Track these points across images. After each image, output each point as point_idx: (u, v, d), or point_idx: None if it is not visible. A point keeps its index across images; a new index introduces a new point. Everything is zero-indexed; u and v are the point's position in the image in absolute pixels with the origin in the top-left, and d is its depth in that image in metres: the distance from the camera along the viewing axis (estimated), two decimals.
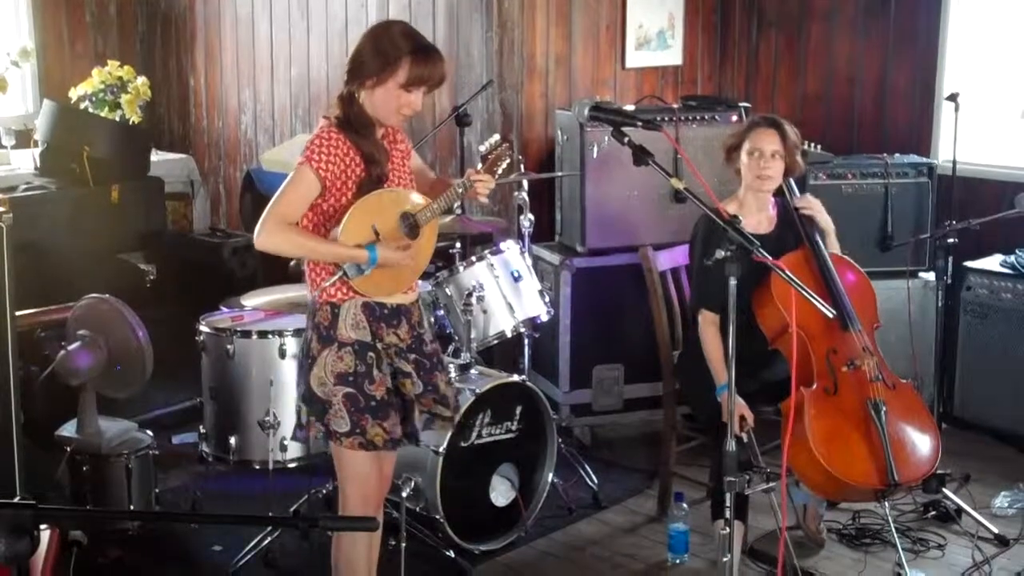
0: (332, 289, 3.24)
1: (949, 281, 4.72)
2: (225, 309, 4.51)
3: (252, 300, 4.38)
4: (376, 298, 3.28)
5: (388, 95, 3.22)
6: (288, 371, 4.13)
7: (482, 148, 3.41)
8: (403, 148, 3.40)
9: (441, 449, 4.01)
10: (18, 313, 3.97)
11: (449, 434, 4.00)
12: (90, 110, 6.34)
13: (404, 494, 3.86)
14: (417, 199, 3.31)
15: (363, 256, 3.17)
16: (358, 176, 3.23)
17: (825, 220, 4.23)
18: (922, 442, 3.95)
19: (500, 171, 3.36)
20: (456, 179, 3.49)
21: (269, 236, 3.18)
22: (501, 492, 4.27)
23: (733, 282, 3.17)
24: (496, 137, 3.42)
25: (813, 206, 4.22)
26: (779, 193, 4.23)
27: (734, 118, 5.25)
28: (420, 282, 3.55)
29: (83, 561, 3.80)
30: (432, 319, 4.40)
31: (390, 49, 3.21)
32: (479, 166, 3.36)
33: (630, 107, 5.43)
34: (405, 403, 3.38)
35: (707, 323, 4.07)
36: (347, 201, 3.21)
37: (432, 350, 3.44)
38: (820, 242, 4.15)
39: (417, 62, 3.20)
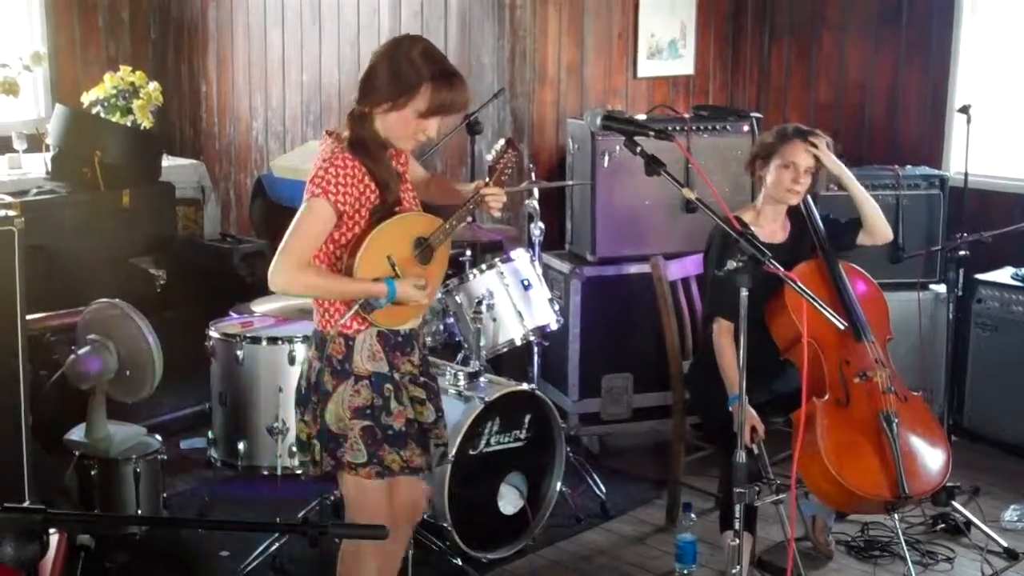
0: (348, 320, 3.12)
1: (960, 293, 4.71)
2: (235, 315, 4.49)
3: (262, 306, 4.39)
4: (390, 327, 3.18)
5: (404, 121, 3.05)
6: (297, 377, 4.11)
7: (488, 157, 3.33)
8: (404, 161, 3.26)
9: (450, 457, 4.00)
10: (28, 317, 3.97)
11: (458, 441, 4.00)
12: (102, 115, 6.34)
13: None
14: (428, 221, 3.19)
15: (382, 291, 3.05)
16: (372, 203, 3.07)
17: (832, 162, 4.11)
18: (933, 455, 3.94)
19: (506, 179, 3.30)
20: (459, 184, 3.45)
21: (287, 279, 3.01)
22: (509, 500, 4.26)
23: (744, 292, 3.16)
24: (502, 142, 3.30)
25: (820, 146, 4.09)
26: None
27: (745, 128, 5.24)
28: None
29: (90, 565, 3.80)
30: (442, 326, 4.40)
31: (410, 73, 3.01)
32: (487, 178, 3.25)
33: (641, 116, 5.42)
34: (423, 432, 3.25)
35: (723, 331, 4.03)
36: (359, 230, 3.07)
37: (432, 372, 3.36)
38: (833, 252, 4.14)
39: (439, 88, 3.01)
